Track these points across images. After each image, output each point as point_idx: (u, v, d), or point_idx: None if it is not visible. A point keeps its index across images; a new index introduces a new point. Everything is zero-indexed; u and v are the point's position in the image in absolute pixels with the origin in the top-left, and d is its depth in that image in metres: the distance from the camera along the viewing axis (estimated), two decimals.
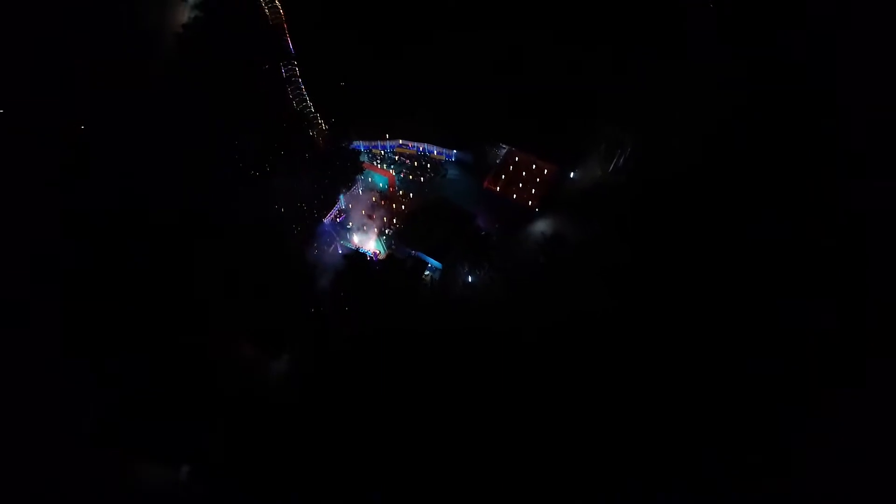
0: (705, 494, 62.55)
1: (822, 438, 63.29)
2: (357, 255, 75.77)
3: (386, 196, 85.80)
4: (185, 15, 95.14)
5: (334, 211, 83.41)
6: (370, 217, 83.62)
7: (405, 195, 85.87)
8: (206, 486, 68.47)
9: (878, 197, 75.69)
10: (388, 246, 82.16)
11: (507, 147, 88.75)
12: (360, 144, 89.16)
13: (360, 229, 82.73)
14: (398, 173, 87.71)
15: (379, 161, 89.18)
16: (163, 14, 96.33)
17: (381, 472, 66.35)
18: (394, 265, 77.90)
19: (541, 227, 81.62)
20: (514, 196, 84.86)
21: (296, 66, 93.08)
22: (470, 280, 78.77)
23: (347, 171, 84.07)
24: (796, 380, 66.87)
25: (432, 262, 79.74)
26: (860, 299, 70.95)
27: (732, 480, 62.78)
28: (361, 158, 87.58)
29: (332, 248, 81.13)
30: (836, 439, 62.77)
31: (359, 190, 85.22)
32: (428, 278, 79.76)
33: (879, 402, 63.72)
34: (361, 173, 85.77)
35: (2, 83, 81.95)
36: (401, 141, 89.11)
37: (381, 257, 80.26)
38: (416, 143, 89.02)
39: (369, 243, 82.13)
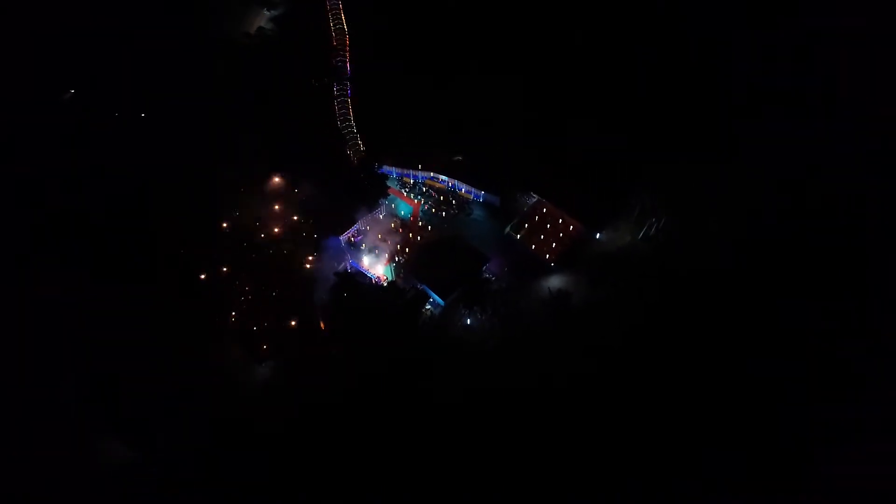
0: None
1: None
2: (349, 276, 75.24)
3: (406, 224, 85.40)
4: (257, 24, 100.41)
5: (352, 230, 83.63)
6: (385, 242, 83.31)
7: (425, 227, 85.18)
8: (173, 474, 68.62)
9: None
10: (397, 274, 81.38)
11: (537, 197, 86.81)
12: (393, 170, 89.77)
13: (372, 252, 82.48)
14: (424, 204, 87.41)
15: (408, 189, 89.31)
16: (242, 19, 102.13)
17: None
18: (394, 293, 77.06)
19: (553, 282, 78.63)
20: (534, 247, 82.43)
21: (348, 86, 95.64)
22: (469, 322, 76.52)
23: (372, 194, 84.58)
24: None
25: (435, 298, 78.28)
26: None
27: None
28: (391, 184, 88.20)
29: (341, 265, 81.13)
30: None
31: (380, 214, 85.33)
32: (428, 313, 78.16)
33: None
34: (386, 198, 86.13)
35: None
36: (432, 174, 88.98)
37: (384, 283, 79.45)
38: (446, 178, 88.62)
39: (378, 267, 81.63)
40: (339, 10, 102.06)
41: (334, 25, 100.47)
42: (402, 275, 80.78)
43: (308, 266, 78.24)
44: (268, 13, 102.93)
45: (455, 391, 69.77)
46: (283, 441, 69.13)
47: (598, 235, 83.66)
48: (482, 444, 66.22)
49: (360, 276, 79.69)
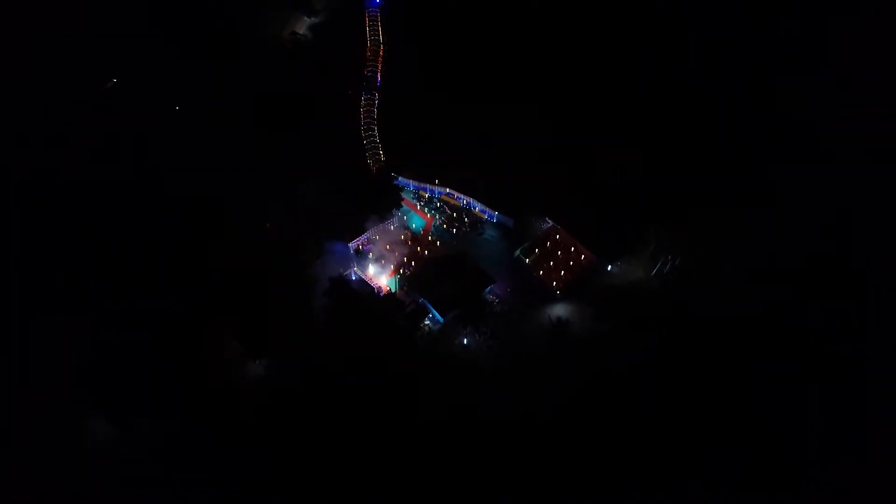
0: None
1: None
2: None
3: (416, 238, 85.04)
4: (298, 28, 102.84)
5: (362, 238, 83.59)
6: (393, 253, 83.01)
7: (434, 242, 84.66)
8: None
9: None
10: (401, 286, 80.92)
11: (551, 223, 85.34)
12: (410, 183, 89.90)
13: (378, 262, 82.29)
14: (437, 220, 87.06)
15: (423, 203, 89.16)
16: (283, 24, 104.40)
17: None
18: (394, 305, 76.66)
19: (556, 310, 76.81)
20: (541, 273, 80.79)
21: (376, 96, 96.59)
22: (466, 342, 75.35)
23: (386, 204, 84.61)
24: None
25: (434, 314, 77.44)
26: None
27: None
28: (407, 196, 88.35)
29: (346, 272, 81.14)
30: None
31: (391, 225, 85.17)
32: (426, 328, 77.32)
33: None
34: (399, 209, 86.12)
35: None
36: (448, 189, 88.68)
37: (385, 293, 79.07)
38: (462, 196, 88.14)
39: (382, 278, 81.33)
40: (378, 22, 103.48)
41: (371, 36, 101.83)
42: (405, 287, 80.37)
43: (312, 269, 78.15)
44: (308, 20, 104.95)
45: (442, 404, 68.68)
46: (269, 438, 68.68)
47: (609, 267, 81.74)
48: (478, 446, 65.62)
49: (360, 284, 79.56)
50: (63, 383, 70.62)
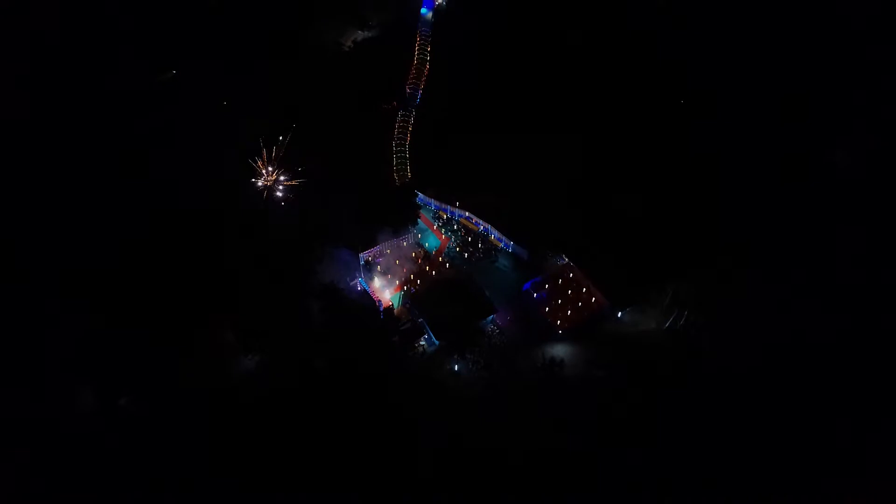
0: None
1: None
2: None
3: (428, 257, 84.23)
4: (347, 40, 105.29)
5: (375, 250, 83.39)
6: (402, 269, 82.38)
7: (444, 263, 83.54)
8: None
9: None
10: (403, 303, 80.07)
11: (566, 261, 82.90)
12: (431, 202, 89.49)
13: (384, 276, 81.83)
14: (452, 242, 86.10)
15: (441, 223, 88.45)
16: (336, 35, 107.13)
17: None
18: (389, 320, 75.83)
19: (555, 350, 74.09)
20: (547, 309, 78.32)
21: (413, 113, 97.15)
22: (456, 369, 73.56)
23: (401, 219, 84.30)
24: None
25: (430, 335, 76.11)
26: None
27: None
28: (428, 216, 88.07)
29: (352, 281, 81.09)
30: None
31: (405, 241, 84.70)
32: (421, 348, 76.01)
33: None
34: (416, 226, 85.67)
35: None
36: (467, 213, 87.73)
37: (384, 307, 78.33)
38: (480, 221, 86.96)
39: (385, 292, 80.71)
40: (428, 42, 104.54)
41: (418, 55, 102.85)
42: (407, 305, 79.48)
43: (317, 273, 78.37)
44: (362, 33, 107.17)
45: (418, 423, 67.67)
46: (257, 434, 68.39)
47: (619, 314, 78.48)
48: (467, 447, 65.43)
49: (363, 296, 79.27)
50: (60, 372, 72.13)
